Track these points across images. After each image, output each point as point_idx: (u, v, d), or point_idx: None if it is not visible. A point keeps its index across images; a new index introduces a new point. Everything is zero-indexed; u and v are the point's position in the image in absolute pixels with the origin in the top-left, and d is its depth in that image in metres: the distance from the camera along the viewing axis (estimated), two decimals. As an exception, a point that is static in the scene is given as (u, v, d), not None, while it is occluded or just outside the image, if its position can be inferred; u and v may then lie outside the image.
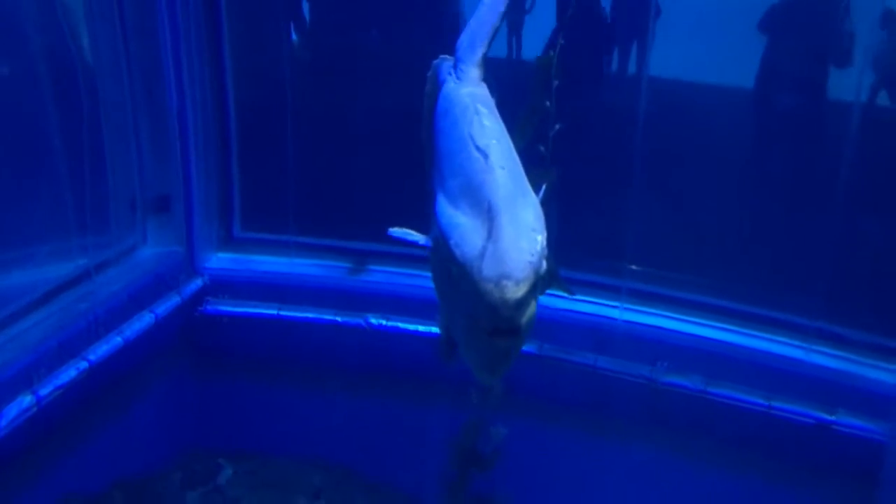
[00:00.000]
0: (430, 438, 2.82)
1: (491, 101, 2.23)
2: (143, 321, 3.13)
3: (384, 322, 3.48)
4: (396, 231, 2.16)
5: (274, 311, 3.53)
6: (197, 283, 3.51)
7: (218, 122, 3.65)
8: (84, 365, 2.79)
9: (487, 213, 1.82)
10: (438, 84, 2.33)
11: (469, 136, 2.03)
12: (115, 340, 2.97)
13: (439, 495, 2.97)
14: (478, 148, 1.98)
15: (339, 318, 3.52)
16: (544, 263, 1.82)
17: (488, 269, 1.74)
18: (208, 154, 3.58)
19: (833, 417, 2.99)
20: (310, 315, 3.53)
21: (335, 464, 3.28)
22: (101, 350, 2.89)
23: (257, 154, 3.74)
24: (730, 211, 3.44)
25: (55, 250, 3.12)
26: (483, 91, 2.26)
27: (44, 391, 2.60)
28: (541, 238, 1.81)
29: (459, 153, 2.02)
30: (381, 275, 3.63)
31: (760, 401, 3.09)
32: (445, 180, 2.03)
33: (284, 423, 3.59)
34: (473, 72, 2.30)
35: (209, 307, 3.53)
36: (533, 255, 1.77)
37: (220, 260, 3.67)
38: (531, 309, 1.81)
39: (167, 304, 3.29)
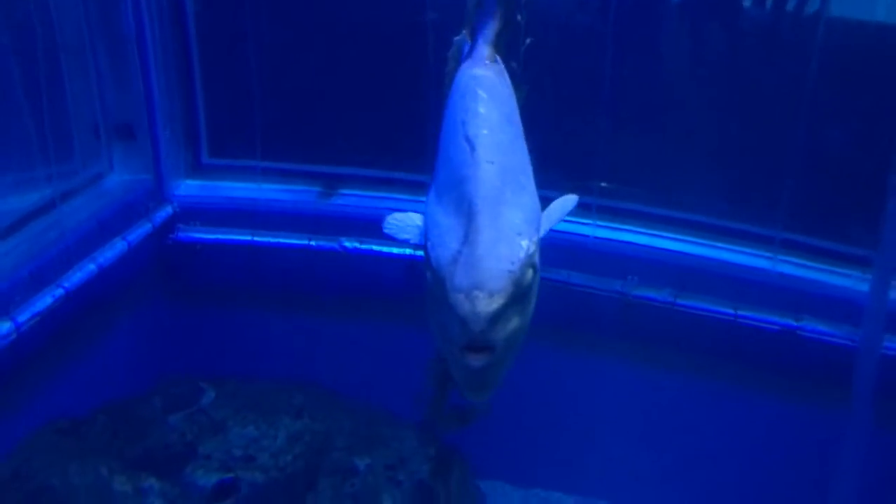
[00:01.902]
0: (408, 358, 2.87)
1: (499, 84, 2.02)
2: (115, 249, 3.10)
3: (358, 245, 3.49)
4: (390, 227, 1.99)
5: (247, 237, 3.52)
6: (167, 210, 3.47)
7: (179, 46, 3.54)
8: (60, 292, 2.77)
9: (467, 212, 1.62)
10: (460, 63, 2.14)
11: (461, 124, 1.84)
12: (88, 267, 2.95)
13: (419, 411, 3.04)
14: (466, 138, 1.78)
15: (312, 243, 3.52)
16: (530, 272, 1.60)
17: (460, 277, 1.53)
18: (170, 79, 3.49)
19: (799, 324, 3.10)
20: (283, 240, 3.53)
21: (315, 385, 3.33)
22: (75, 277, 2.87)
23: (222, 78, 3.65)
24: (696, 125, 3.47)
25: (19, 180, 3.05)
26: (493, 72, 2.04)
27: (21, 318, 2.58)
28: (526, 243, 1.60)
29: (451, 142, 1.84)
30: (352, 198, 3.62)
31: (728, 310, 3.19)
32: (438, 171, 1.85)
33: (262, 348, 3.62)
34: (485, 50, 2.09)
35: (181, 234, 3.50)
36: (514, 262, 1.56)
37: (190, 187, 3.62)
38: (513, 324, 1.58)
39: (138, 232, 3.25)
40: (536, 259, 1.66)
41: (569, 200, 2.04)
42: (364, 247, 3.48)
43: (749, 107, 3.34)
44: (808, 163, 3.14)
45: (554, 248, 3.44)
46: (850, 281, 3.13)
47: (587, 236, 3.41)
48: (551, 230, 1.89)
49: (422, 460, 3.03)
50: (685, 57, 3.53)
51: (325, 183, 3.68)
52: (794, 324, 3.10)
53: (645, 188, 3.52)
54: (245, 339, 3.65)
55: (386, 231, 2.01)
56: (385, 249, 3.44)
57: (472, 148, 1.74)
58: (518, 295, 1.57)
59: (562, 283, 3.34)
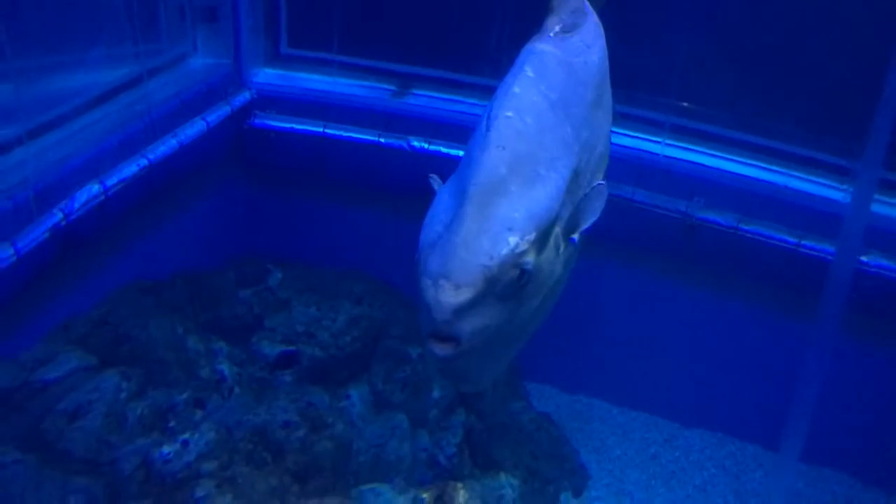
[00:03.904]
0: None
1: (560, 64, 1.83)
2: (195, 127, 3.22)
3: (426, 145, 3.54)
4: (435, 180, 1.84)
5: (319, 129, 3.60)
6: (245, 96, 3.56)
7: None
8: (144, 162, 2.91)
9: (460, 197, 1.53)
10: None
11: (493, 100, 1.72)
12: (170, 142, 3.08)
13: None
14: (488, 117, 1.66)
15: (381, 139, 3.58)
16: (514, 272, 1.49)
17: (433, 263, 1.47)
18: (254, -33, 3.54)
19: (866, 258, 3.06)
20: (353, 134, 3.59)
21: (374, 277, 3.44)
22: (158, 150, 3.01)
23: (305, -31, 3.68)
24: (778, 48, 3.36)
25: (110, 55, 3.17)
26: (558, 48, 1.86)
27: (109, 182, 2.74)
28: (515, 240, 1.49)
29: (481, 118, 1.72)
30: (424, 98, 3.65)
31: (791, 238, 3.17)
32: (469, 146, 1.72)
33: (327, 237, 3.75)
34: (555, 25, 1.92)
35: (257, 120, 3.59)
36: (491, 258, 1.45)
37: (268, 75, 3.69)
38: (489, 322, 1.48)
39: (218, 114, 3.36)
40: (531, 259, 1.51)
41: (601, 190, 1.81)
42: (431, 147, 3.52)
43: (834, 35, 3.22)
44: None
45: (621, 163, 3.47)
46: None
47: (656, 154, 3.38)
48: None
49: (472, 355, 3.14)
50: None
51: (399, 82, 3.71)
52: (862, 259, 3.06)
53: (719, 110, 3.46)
54: (311, 226, 3.78)
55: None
56: (452, 152, 3.48)
57: (487, 129, 1.63)
58: (498, 293, 1.48)
59: (625, 200, 3.35)
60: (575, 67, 1.86)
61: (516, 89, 1.71)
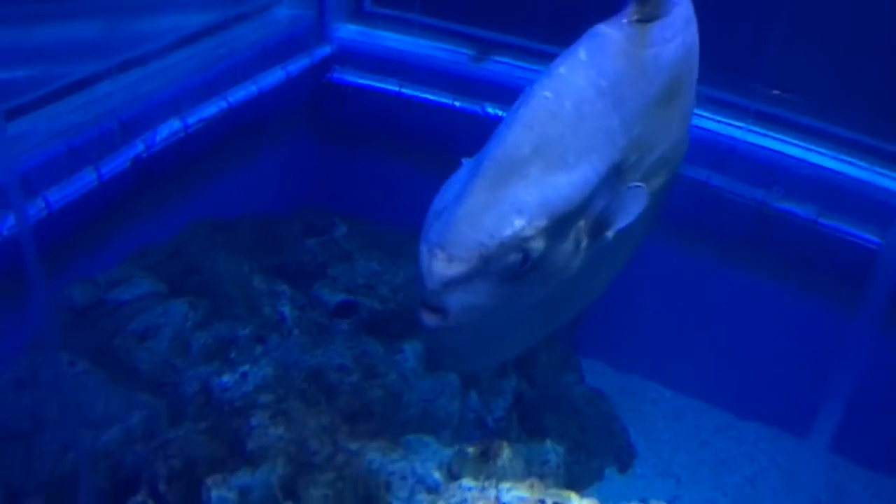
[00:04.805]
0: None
1: (620, 51, 1.72)
2: (275, 76, 3.29)
3: (500, 112, 3.52)
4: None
5: (395, 88, 3.62)
6: (326, 49, 3.60)
7: None
8: (224, 104, 2.99)
9: (475, 170, 1.51)
10: None
11: (539, 77, 1.66)
12: (250, 88, 3.15)
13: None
14: (526, 93, 1.62)
15: (456, 103, 3.58)
16: (517, 256, 1.44)
17: (433, 231, 1.47)
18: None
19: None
20: (429, 96, 3.60)
21: (438, 240, 3.46)
22: (238, 94, 3.08)
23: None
24: (873, 41, 3.22)
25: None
26: (624, 35, 1.75)
27: (190, 120, 2.83)
28: (521, 224, 1.44)
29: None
30: (502, 65, 3.63)
31: (873, 238, 3.05)
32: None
33: (393, 197, 3.78)
34: (635, 11, 1.79)
35: (336, 75, 3.63)
36: (492, 237, 1.42)
37: (349, 31, 3.72)
38: (483, 302, 1.46)
39: (298, 64, 3.42)
40: (538, 246, 1.45)
41: (638, 193, 1.69)
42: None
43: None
44: None
45: (699, 146, 3.39)
46: None
47: (737, 139, 3.29)
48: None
49: (529, 323, 3.14)
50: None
51: (478, 47, 3.70)
52: (944, 261, 2.93)
53: (807, 98, 3.34)
54: (378, 185, 3.81)
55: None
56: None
57: (520, 106, 1.58)
58: (495, 275, 1.44)
59: (699, 183, 3.28)
60: (641, 59, 1.74)
61: (562, 70, 1.65)
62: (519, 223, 1.44)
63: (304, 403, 2.21)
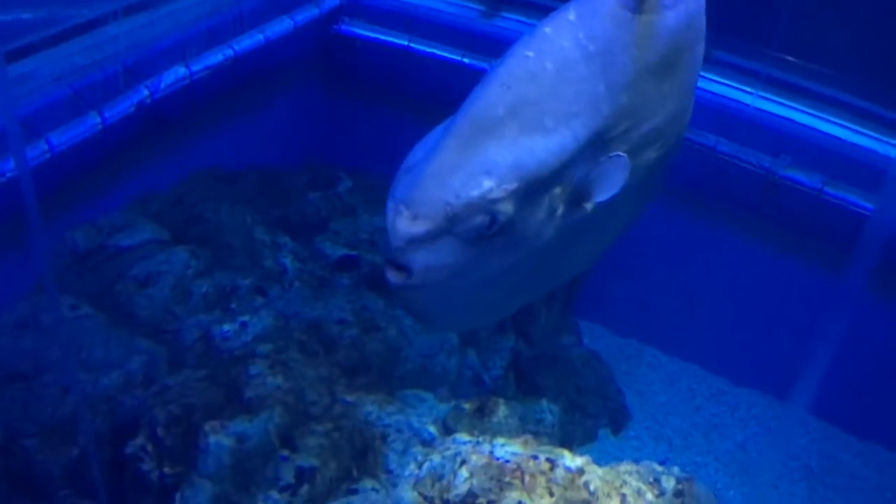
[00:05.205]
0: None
1: (613, 15, 1.61)
2: (282, 25, 3.23)
3: (510, 70, 3.48)
4: None
5: (404, 42, 3.57)
6: (335, 0, 3.54)
7: None
8: (230, 52, 2.95)
9: (447, 128, 1.46)
10: None
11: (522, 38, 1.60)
12: (256, 37, 3.10)
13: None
14: (506, 53, 1.55)
15: (465, 60, 3.53)
16: (483, 218, 1.40)
17: (399, 187, 1.45)
18: None
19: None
20: (437, 52, 3.55)
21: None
22: (244, 42, 3.04)
23: None
24: (890, 10, 3.16)
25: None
26: (618, 4, 1.63)
27: (195, 67, 2.79)
28: (489, 185, 1.39)
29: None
30: (512, 22, 3.57)
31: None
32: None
33: (399, 152, 3.74)
34: None
35: (344, 27, 3.58)
36: (457, 197, 1.38)
37: (358, -18, 3.67)
38: (449, 263, 1.42)
39: (305, 14, 3.36)
40: (506, 210, 1.40)
41: (620, 163, 1.62)
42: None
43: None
44: None
45: (706, 110, 3.36)
46: None
47: (746, 105, 3.25)
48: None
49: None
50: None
51: (488, 2, 3.64)
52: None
53: (820, 66, 3.29)
54: (385, 140, 3.77)
55: None
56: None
57: (498, 65, 1.52)
58: (461, 236, 1.40)
59: (707, 148, 3.24)
60: (635, 25, 1.64)
61: (547, 30, 1.58)
62: (487, 184, 1.41)
63: (303, 355, 2.24)
